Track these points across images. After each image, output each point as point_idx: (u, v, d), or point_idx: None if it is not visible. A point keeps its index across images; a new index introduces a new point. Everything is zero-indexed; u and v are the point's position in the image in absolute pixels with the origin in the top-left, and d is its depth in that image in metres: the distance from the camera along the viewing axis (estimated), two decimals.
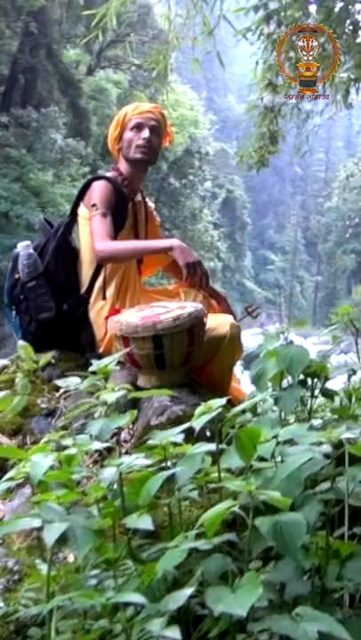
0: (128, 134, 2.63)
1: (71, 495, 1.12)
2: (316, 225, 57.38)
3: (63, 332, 2.48)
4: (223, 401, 1.30)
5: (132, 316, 2.20)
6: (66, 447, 1.28)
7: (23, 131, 20.60)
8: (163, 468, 1.28)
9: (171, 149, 26.33)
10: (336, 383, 1.69)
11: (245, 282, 48.22)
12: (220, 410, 1.28)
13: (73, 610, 1.11)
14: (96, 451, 1.61)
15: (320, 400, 1.72)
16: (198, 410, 1.30)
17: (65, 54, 24.14)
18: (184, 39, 4.40)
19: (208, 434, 1.48)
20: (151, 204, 2.86)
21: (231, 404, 1.65)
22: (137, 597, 0.98)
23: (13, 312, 2.55)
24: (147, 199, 2.83)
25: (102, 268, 2.54)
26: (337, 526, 1.25)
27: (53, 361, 2.42)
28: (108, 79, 26.50)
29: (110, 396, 1.34)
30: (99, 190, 2.53)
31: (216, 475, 1.27)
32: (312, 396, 1.58)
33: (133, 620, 1.05)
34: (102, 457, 1.84)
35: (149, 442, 1.33)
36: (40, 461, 1.09)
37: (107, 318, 2.40)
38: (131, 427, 2.03)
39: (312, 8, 4.77)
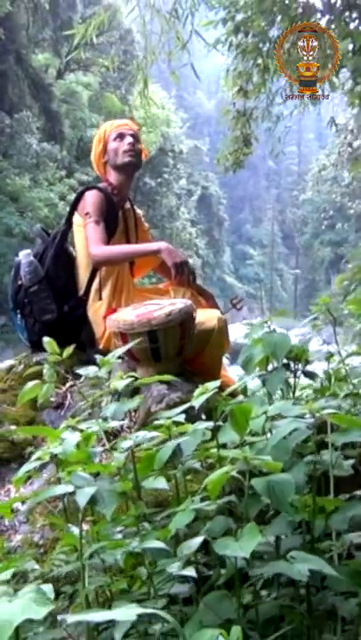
0: (112, 144, 2.84)
1: (94, 467, 1.31)
2: (293, 218, 57.46)
3: (65, 331, 2.60)
4: (218, 382, 1.48)
5: (129, 314, 2.37)
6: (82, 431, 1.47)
7: None
8: None
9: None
10: (318, 369, 1.88)
11: (225, 277, 47.97)
12: (215, 390, 1.47)
13: (100, 568, 1.30)
14: (104, 435, 1.79)
15: (304, 382, 1.91)
16: (197, 391, 1.48)
17: (34, 59, 24.04)
18: (160, 53, 4.60)
19: (203, 417, 1.68)
20: (139, 211, 3.04)
21: (222, 389, 1.85)
22: (160, 544, 1.17)
23: (18, 315, 2.71)
24: (135, 206, 3.01)
25: (98, 271, 2.72)
26: (324, 494, 1.41)
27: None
28: (79, 82, 26.42)
29: (120, 383, 1.54)
30: (91, 199, 2.72)
31: (215, 450, 1.42)
32: (295, 376, 1.77)
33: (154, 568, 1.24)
34: (110, 442, 2.02)
35: (155, 422, 1.51)
36: (69, 438, 1.29)
37: (105, 317, 2.59)
38: (133, 414, 2.23)
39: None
